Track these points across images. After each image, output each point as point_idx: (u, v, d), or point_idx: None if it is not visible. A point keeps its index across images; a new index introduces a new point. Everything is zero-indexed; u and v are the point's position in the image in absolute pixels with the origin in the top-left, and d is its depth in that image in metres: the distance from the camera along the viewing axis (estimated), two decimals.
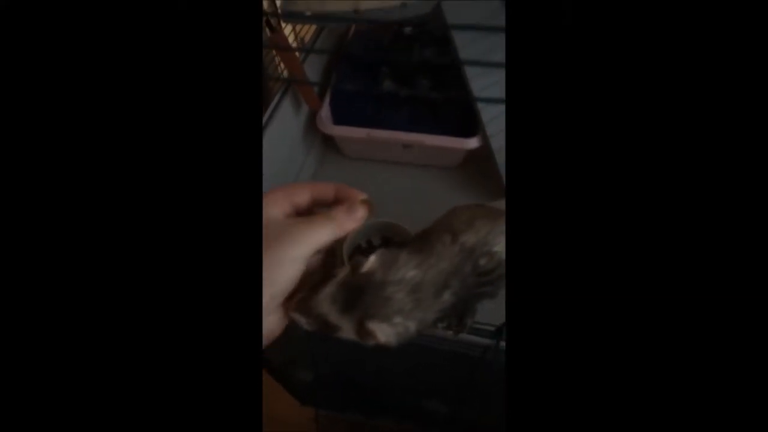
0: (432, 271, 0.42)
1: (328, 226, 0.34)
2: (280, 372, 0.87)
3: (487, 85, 0.75)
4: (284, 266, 0.32)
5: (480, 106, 0.76)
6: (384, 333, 0.38)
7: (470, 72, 0.74)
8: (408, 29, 1.00)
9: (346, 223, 0.36)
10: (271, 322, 0.35)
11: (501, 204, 0.64)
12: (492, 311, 0.48)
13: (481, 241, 0.50)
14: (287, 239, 0.32)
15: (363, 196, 0.38)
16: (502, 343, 0.46)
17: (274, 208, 0.34)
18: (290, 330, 0.66)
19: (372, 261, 0.39)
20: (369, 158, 0.92)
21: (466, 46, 0.75)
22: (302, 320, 0.38)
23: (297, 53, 0.82)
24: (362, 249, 0.79)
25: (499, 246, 0.51)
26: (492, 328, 0.48)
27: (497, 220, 0.55)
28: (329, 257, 0.72)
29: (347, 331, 0.38)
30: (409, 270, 0.40)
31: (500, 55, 0.77)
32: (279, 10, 0.77)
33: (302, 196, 0.36)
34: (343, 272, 0.39)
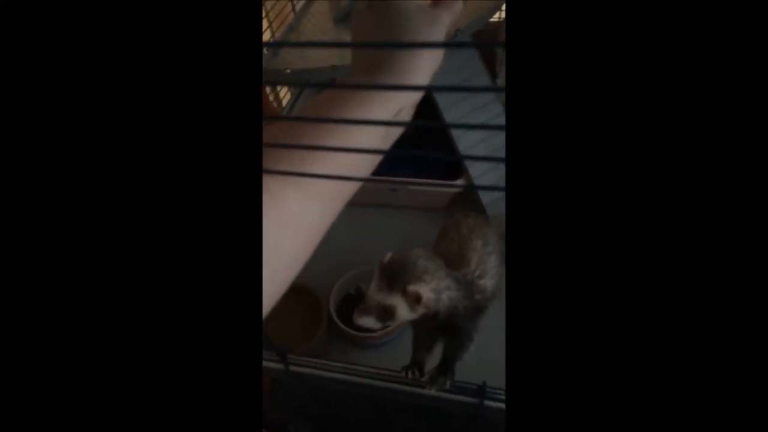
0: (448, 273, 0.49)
1: (447, 11, 0.35)
2: (274, 424, 0.85)
3: (472, 143, 0.77)
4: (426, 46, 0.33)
5: (462, 149, 0.77)
6: (424, 290, 0.45)
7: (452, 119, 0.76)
8: None
9: (456, 5, 0.36)
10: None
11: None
12: (473, 369, 0.49)
13: (477, 273, 0.55)
14: (430, 19, 0.33)
15: None
16: (486, 402, 0.45)
17: None
18: (286, 387, 0.64)
19: (389, 255, 0.48)
20: (357, 202, 0.93)
21: (443, 98, 0.77)
22: (367, 320, 0.47)
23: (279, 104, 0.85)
24: (352, 296, 0.79)
25: (489, 278, 0.55)
26: (474, 387, 0.46)
27: (485, 245, 0.58)
28: (312, 307, 0.71)
29: (400, 306, 0.45)
30: (435, 257, 0.48)
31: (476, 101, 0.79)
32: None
33: None
34: (375, 272, 0.47)
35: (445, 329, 0.51)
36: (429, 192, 0.84)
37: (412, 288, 0.44)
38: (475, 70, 0.79)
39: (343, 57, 0.83)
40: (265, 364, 0.51)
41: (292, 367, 0.48)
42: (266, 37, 0.88)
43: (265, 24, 0.88)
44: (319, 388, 0.52)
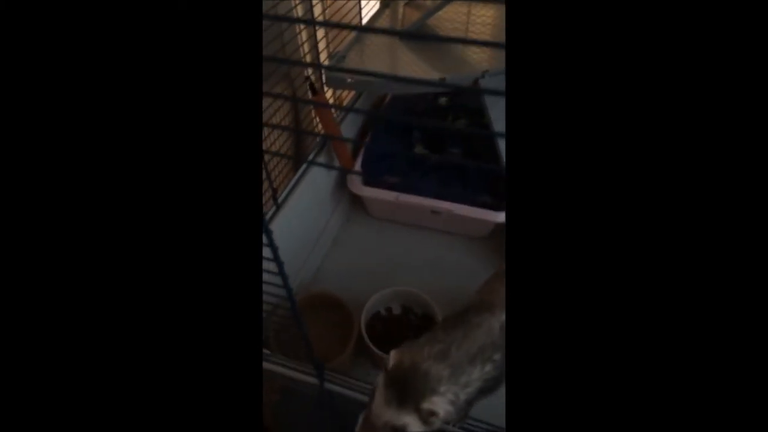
0: (466, 342, 0.45)
1: None
2: None
3: None
4: None
5: None
6: (441, 407, 0.40)
7: (503, 145, 0.74)
8: (443, 99, 1.03)
9: None
10: None
11: None
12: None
13: None
14: None
15: None
16: None
17: None
18: (288, 400, 0.62)
19: (393, 355, 0.42)
20: (395, 221, 0.91)
21: (500, 121, 0.76)
22: None
23: (334, 115, 0.85)
24: (381, 316, 0.76)
25: None
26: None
27: None
28: (345, 323, 0.69)
29: (413, 423, 0.40)
30: (435, 344, 0.43)
31: None
32: (323, 76, 0.81)
33: None
34: (380, 381, 0.42)
35: None
36: (471, 220, 0.82)
37: (427, 406, 0.40)
38: None
39: (403, 70, 0.83)
40: (294, 375, 0.49)
41: (326, 384, 0.46)
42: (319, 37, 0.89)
43: (318, 9, 0.87)
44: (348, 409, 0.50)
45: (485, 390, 0.46)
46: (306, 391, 0.47)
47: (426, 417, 0.40)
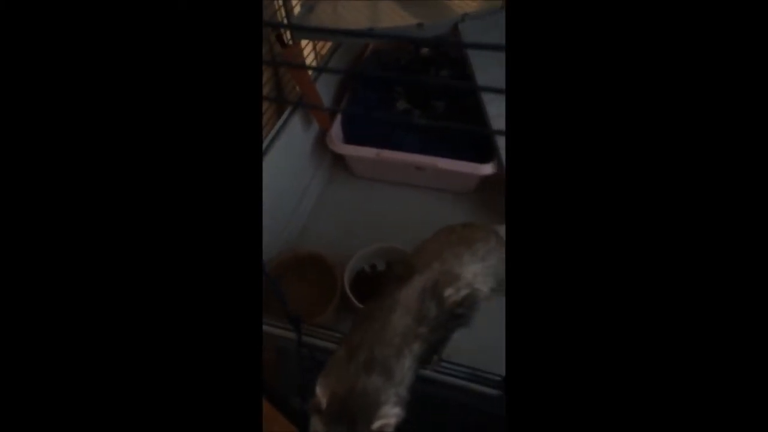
0: (386, 334, 0.42)
1: None
2: (277, 398, 0.84)
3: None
4: None
5: (493, 114, 0.73)
6: (390, 415, 0.38)
7: (486, 96, 0.72)
8: (425, 51, 0.98)
9: None
10: None
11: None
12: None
13: (446, 272, 0.49)
14: None
15: None
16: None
17: None
18: (284, 358, 0.62)
19: (321, 390, 0.39)
20: (379, 179, 0.89)
21: (482, 69, 0.72)
22: None
23: (309, 71, 0.81)
24: (365, 273, 0.76)
25: (468, 272, 0.51)
26: (498, 378, 0.44)
27: (471, 246, 0.53)
28: (330, 281, 0.68)
29: None
30: (358, 355, 0.40)
31: None
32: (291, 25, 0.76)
33: None
34: (318, 425, 0.39)
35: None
36: (456, 174, 0.80)
37: (378, 424, 0.38)
38: None
39: (375, 20, 0.79)
40: (276, 332, 0.49)
41: (305, 338, 0.45)
42: None
43: None
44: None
45: (424, 362, 0.45)
46: (283, 346, 0.47)
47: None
